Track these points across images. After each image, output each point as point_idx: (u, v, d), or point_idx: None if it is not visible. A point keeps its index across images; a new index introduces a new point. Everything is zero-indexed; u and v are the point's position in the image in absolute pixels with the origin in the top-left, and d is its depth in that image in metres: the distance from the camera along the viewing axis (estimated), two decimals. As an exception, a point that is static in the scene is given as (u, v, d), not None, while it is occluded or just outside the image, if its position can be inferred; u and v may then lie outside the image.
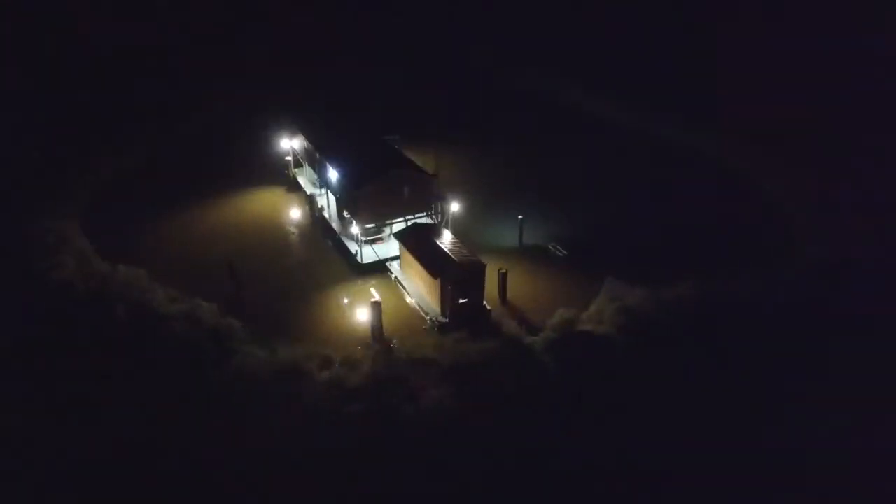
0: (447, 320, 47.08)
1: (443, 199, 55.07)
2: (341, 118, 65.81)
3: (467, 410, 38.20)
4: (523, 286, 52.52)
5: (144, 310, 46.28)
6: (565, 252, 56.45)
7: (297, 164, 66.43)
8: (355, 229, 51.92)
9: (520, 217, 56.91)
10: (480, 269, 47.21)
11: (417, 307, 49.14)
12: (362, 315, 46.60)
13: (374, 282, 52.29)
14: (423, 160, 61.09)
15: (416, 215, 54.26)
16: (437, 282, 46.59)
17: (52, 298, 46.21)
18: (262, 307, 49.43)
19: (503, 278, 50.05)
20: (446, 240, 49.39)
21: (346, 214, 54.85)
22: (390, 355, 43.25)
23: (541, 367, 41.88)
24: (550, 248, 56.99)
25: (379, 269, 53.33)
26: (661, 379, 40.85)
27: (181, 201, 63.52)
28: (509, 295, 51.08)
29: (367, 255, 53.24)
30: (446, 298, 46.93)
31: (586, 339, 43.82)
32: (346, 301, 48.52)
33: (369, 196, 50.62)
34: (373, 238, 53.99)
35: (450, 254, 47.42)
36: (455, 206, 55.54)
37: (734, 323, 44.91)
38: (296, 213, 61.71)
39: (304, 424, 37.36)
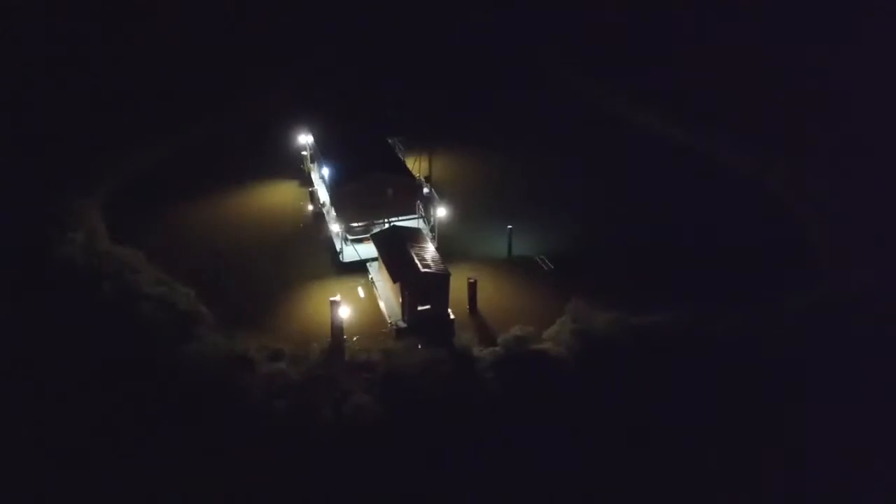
0: (406, 325, 47.36)
1: (432, 204, 55.20)
2: (353, 116, 66.60)
3: (386, 417, 38.67)
4: (500, 298, 51.85)
5: (128, 289, 49.40)
6: (551, 266, 55.12)
7: (313, 160, 68.40)
8: (335, 227, 52.94)
9: (509, 227, 56.02)
10: (442, 278, 47.03)
11: (383, 310, 49.65)
12: (343, 312, 47.55)
13: (363, 281, 53.27)
14: (417, 163, 61.91)
15: (402, 218, 54.69)
16: (398, 286, 46.92)
17: (50, 271, 50.07)
18: (242, 296, 51.51)
19: (472, 288, 49.61)
20: (419, 245, 49.53)
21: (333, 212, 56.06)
22: (335, 355, 44.01)
23: (477, 382, 41.44)
24: (538, 260, 55.81)
25: (361, 268, 54.20)
26: (597, 414, 39.49)
27: (203, 190, 66.54)
28: (483, 305, 50.58)
29: (350, 254, 54.14)
30: (406, 304, 47.18)
31: (532, 359, 42.87)
32: (338, 297, 49.10)
33: (350, 196, 51.54)
34: (358, 237, 54.82)
35: (416, 260, 47.52)
36: (442, 212, 55.50)
37: (712, 363, 42.33)
38: (308, 207, 63.53)
39: (229, 415, 38.93)
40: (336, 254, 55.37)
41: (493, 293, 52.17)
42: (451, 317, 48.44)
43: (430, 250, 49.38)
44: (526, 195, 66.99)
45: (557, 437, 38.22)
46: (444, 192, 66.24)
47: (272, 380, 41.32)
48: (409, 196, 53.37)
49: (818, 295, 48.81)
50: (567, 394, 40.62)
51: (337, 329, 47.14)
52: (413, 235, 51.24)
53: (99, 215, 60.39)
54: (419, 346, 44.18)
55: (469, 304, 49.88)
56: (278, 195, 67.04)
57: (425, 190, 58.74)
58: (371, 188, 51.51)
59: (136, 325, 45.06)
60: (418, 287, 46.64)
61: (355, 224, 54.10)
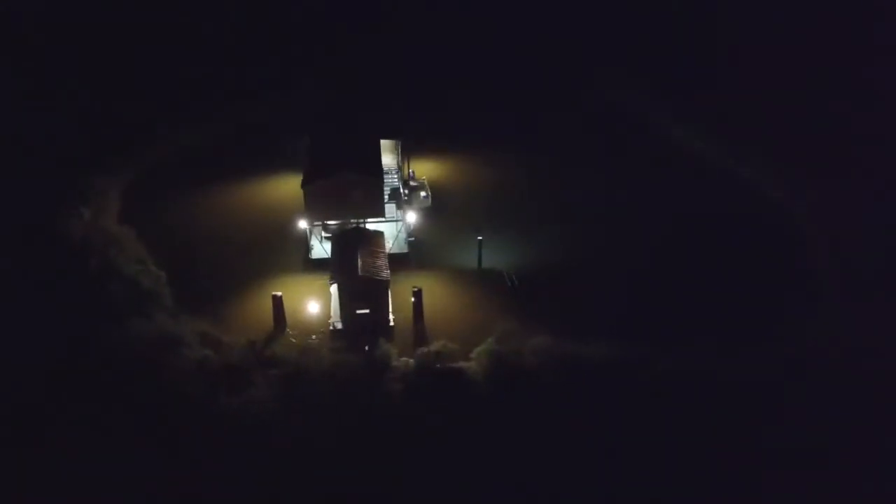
0: (341, 327, 47.58)
1: (411, 207, 55.09)
2: (355, 115, 66.97)
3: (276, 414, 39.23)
4: (452, 310, 50.74)
5: (110, 265, 53.02)
6: (516, 282, 53.17)
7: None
8: (303, 224, 53.90)
9: (479, 238, 54.61)
10: (378, 285, 46.82)
11: (331, 309, 50.09)
12: (313, 307, 49.25)
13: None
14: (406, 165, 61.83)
15: (379, 220, 54.87)
16: (334, 288, 47.23)
17: (45, 240, 54.54)
18: (210, 283, 53.59)
19: (417, 297, 48.88)
20: (371, 249, 49.56)
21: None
22: (262, 348, 44.92)
23: (379, 391, 40.97)
24: (505, 274, 54.02)
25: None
26: (486, 437, 37.98)
27: (219, 179, 69.51)
28: (432, 316, 49.71)
29: (318, 251, 54.98)
30: (342, 305, 47.40)
31: (442, 375, 41.79)
32: (279, 293, 50.04)
33: (318, 193, 52.26)
34: (329, 236, 55.45)
35: (359, 263, 47.60)
36: (412, 217, 55.11)
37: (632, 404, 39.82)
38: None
39: (138, 389, 40.85)
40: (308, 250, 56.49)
41: (448, 304, 51.17)
42: (391, 323, 48.17)
43: (381, 255, 49.20)
44: (522, 205, 65.51)
45: (432, 453, 37.28)
46: (440, 196, 66.50)
47: (191, 364, 42.99)
48: (378, 197, 53.25)
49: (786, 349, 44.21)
50: (463, 414, 39.44)
51: (278, 323, 48.42)
52: (371, 239, 51.31)
53: (117, 195, 65.15)
54: (366, 348, 44.52)
55: (413, 313, 49.17)
56: (285, 189, 68.99)
57: (405, 193, 58.56)
58: (339, 187, 51.94)
59: (96, 299, 48.34)
60: (355, 290, 46.74)
61: (331, 222, 54.71)
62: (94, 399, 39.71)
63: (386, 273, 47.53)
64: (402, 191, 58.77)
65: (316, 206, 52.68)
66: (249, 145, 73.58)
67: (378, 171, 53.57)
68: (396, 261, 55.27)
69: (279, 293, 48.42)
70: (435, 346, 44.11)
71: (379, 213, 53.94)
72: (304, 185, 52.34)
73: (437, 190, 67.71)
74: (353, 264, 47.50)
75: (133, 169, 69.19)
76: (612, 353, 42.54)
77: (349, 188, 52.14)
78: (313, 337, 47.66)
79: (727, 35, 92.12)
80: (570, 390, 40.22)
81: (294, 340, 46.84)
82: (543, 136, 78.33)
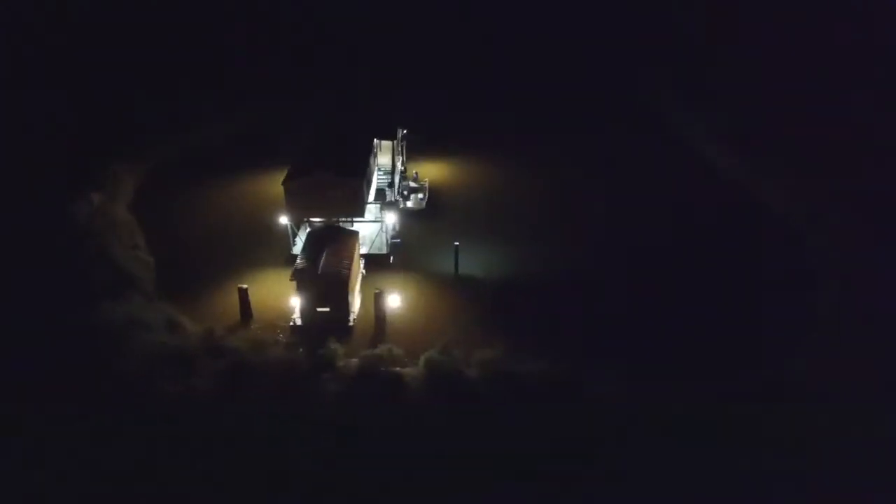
0: (300, 323, 48.24)
1: (395, 208, 55.41)
2: (363, 114, 67.20)
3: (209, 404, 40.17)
4: (423, 315, 50.28)
5: (104, 249, 55.65)
6: (488, 292, 52.44)
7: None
8: (284, 220, 54.87)
9: (456, 244, 54.08)
10: (337, 283, 47.14)
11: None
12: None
13: None
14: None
15: (356, 220, 55.29)
16: (293, 284, 47.91)
17: (48, 222, 57.65)
18: (196, 272, 55.37)
19: (378, 299, 48.90)
20: (339, 247, 49.97)
21: None
22: (213, 337, 46.04)
23: (314, 390, 41.26)
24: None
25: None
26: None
27: (233, 174, 71.71)
28: (396, 319, 49.61)
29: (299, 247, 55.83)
30: (302, 302, 48.04)
31: (379, 379, 41.69)
32: (245, 285, 50.92)
33: (296, 191, 53.14)
34: None
35: (321, 260, 48.18)
36: (392, 218, 55.40)
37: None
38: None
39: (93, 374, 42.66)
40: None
41: (417, 309, 50.88)
42: (351, 323, 48.45)
43: (348, 254, 49.46)
44: (522, 211, 64.77)
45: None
46: (442, 200, 66.41)
47: (145, 349, 44.52)
48: (356, 197, 53.59)
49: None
50: (388, 417, 39.28)
51: (244, 315, 49.63)
52: (343, 238, 51.71)
53: (133, 182, 68.38)
54: (300, 350, 45.17)
55: (375, 315, 49.23)
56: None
57: (403, 193, 58.73)
58: (317, 186, 52.56)
59: (79, 280, 50.83)
60: (312, 287, 47.29)
61: (315, 220, 55.52)
62: (41, 375, 41.63)
63: (347, 272, 47.74)
64: (388, 192, 58.82)
65: (295, 203, 53.49)
66: (264, 141, 75.72)
67: (359, 171, 53.69)
68: (376, 262, 55.96)
69: (245, 286, 49.51)
70: (381, 349, 44.06)
71: (357, 213, 54.22)
72: (283, 182, 53.32)
73: (440, 193, 67.80)
74: (315, 261, 48.11)
75: (154, 159, 72.65)
76: (558, 373, 41.43)
77: (327, 187, 52.62)
78: (279, 332, 48.64)
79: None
80: (502, 406, 39.37)
81: (255, 333, 47.80)
82: (569, 142, 77.25)
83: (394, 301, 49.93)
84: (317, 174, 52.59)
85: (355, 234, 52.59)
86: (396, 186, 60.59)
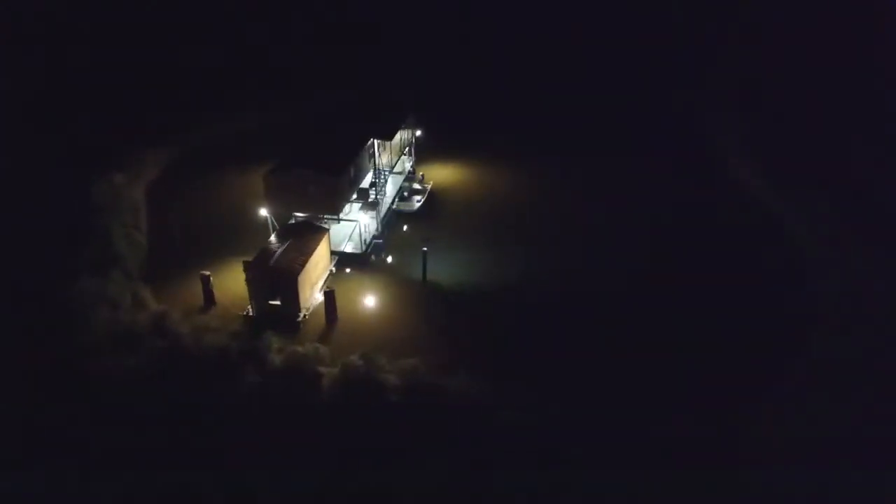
0: (251, 314, 49.30)
1: (367, 209, 55.57)
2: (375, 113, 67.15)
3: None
4: (378, 318, 50.13)
5: (105, 226, 59.02)
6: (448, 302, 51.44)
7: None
8: (264, 212, 56.14)
9: (423, 249, 53.36)
10: (286, 278, 47.72)
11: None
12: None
13: None
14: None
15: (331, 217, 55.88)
16: (245, 276, 49.01)
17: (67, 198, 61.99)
18: (186, 258, 57.52)
19: (329, 298, 49.07)
20: (301, 242, 50.66)
21: None
22: (165, 318, 47.83)
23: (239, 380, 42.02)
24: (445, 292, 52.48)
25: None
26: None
27: (255, 162, 73.83)
28: (348, 320, 49.57)
29: (279, 240, 57.02)
30: (252, 294, 49.09)
31: (299, 376, 41.90)
32: (208, 272, 52.62)
33: (273, 186, 54.30)
34: None
35: (276, 254, 49.06)
36: (365, 218, 55.62)
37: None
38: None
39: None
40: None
41: (376, 311, 50.68)
42: (299, 319, 48.97)
43: (300, 250, 49.95)
44: (516, 219, 63.51)
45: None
46: (442, 204, 65.79)
47: (102, 325, 46.95)
48: (332, 195, 54.03)
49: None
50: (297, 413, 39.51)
51: (207, 301, 51.39)
52: (310, 234, 52.31)
53: (156, 164, 72.21)
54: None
55: (325, 314, 49.49)
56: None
57: (371, 193, 58.73)
58: (295, 182, 53.45)
59: (69, 255, 54.22)
60: (262, 280, 48.22)
61: (299, 214, 56.57)
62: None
63: (300, 267, 48.25)
64: (370, 192, 58.87)
65: (274, 197, 54.63)
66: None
67: (339, 170, 54.06)
68: (357, 261, 56.17)
69: (208, 273, 51.14)
70: (307, 347, 44.28)
71: (331, 210, 54.68)
72: (263, 176, 54.63)
73: (445, 197, 67.27)
74: (271, 255, 49.04)
75: (181, 146, 76.21)
76: (471, 393, 40.15)
77: (305, 183, 53.40)
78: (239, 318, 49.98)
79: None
80: (412, 419, 38.61)
81: (206, 319, 49.17)
82: (592, 157, 74.86)
83: (369, 301, 50.31)
84: (295, 170, 53.47)
85: (324, 231, 53.03)
86: (381, 186, 60.40)
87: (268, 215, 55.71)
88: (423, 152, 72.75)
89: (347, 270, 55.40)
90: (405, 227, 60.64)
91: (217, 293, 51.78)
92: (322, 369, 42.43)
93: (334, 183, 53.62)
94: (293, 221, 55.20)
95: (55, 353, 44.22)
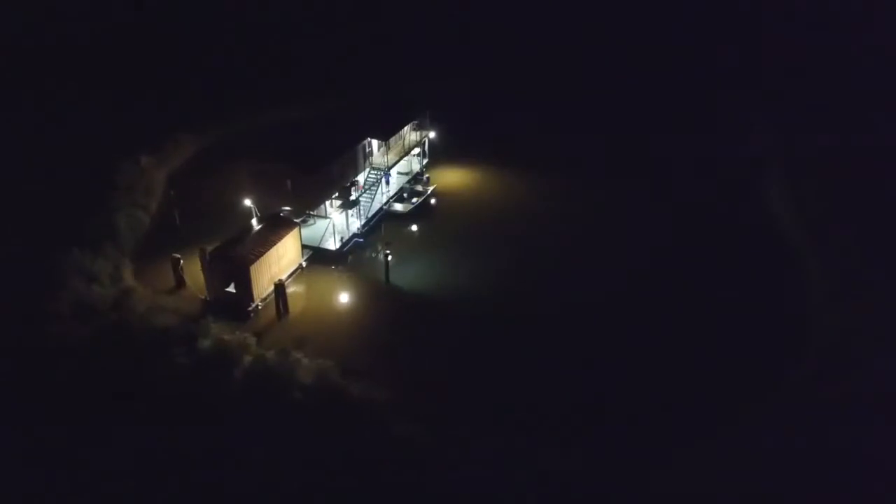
0: (207, 299, 50.82)
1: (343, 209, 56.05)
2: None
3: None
4: (330, 317, 50.35)
5: (112, 203, 62.51)
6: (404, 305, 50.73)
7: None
8: (247, 202, 57.61)
9: (386, 252, 52.87)
10: (239, 267, 48.80)
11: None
12: None
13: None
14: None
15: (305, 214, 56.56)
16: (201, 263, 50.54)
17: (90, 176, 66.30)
18: (179, 240, 59.91)
19: (280, 292, 49.64)
20: (263, 235, 51.71)
21: None
22: (133, 297, 50.10)
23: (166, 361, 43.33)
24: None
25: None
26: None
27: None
28: (308, 317, 49.98)
29: (264, 228, 58.29)
30: (208, 280, 50.58)
31: (217, 362, 42.71)
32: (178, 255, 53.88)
33: (255, 179, 55.76)
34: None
35: (237, 244, 50.39)
36: (336, 216, 56.04)
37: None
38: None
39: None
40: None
41: (330, 309, 50.91)
42: (250, 309, 49.93)
43: (268, 242, 50.93)
44: (513, 225, 62.02)
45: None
46: (444, 207, 65.02)
47: (72, 297, 49.71)
48: (307, 192, 54.66)
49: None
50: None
51: (178, 283, 53.52)
52: (277, 226, 53.23)
53: (187, 151, 75.93)
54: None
55: (276, 308, 50.13)
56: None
57: (353, 191, 58.82)
58: (274, 175, 54.61)
59: (69, 228, 57.86)
60: (215, 267, 49.59)
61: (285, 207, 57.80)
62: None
63: (254, 258, 49.17)
64: (353, 191, 59.04)
65: (255, 189, 56.05)
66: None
67: (315, 166, 54.59)
68: (326, 258, 56.66)
69: (178, 255, 53.12)
70: (235, 336, 45.04)
71: (306, 206, 55.38)
72: (244, 169, 56.19)
73: (448, 202, 66.45)
74: (231, 244, 50.38)
75: (219, 132, 79.82)
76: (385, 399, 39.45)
77: (281, 178, 54.46)
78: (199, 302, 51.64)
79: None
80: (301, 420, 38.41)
81: (166, 299, 51.09)
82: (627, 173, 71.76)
83: (325, 298, 50.84)
84: (273, 164, 54.66)
85: (293, 225, 53.77)
86: (369, 185, 60.47)
87: (252, 206, 57.18)
88: (441, 155, 72.26)
89: (333, 267, 55.91)
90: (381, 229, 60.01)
91: (192, 277, 53.66)
92: (248, 359, 42.86)
93: (310, 179, 54.23)
94: (278, 214, 56.01)
95: (24, 316, 47.55)
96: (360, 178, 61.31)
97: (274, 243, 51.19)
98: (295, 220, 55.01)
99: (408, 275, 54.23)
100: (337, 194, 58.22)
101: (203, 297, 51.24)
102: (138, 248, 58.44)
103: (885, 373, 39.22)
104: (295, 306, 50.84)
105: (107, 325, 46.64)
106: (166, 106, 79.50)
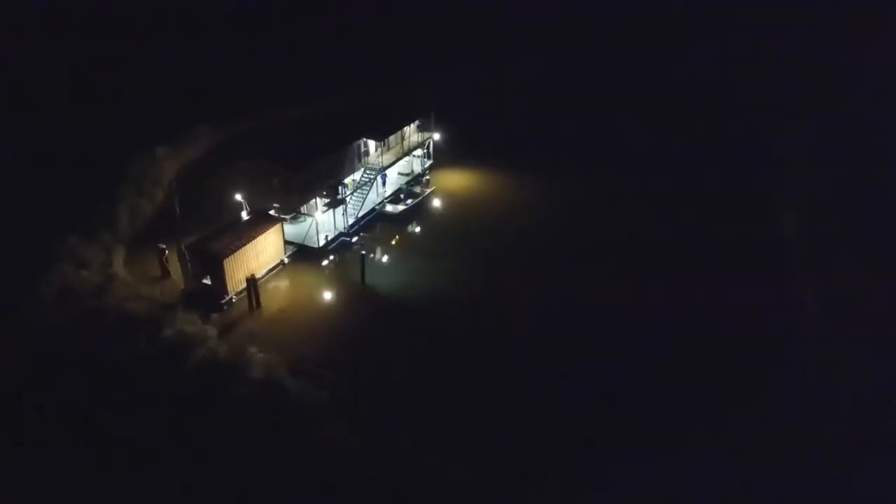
0: (183, 289, 51.90)
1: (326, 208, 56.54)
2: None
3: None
4: (293, 315, 50.37)
5: (120, 192, 64.72)
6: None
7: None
8: (238, 197, 58.54)
9: (362, 252, 52.82)
10: (212, 259, 49.68)
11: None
12: None
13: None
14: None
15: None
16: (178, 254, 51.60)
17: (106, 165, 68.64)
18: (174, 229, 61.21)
19: (253, 286, 50.24)
20: (244, 230, 52.49)
21: None
22: (113, 282, 51.63)
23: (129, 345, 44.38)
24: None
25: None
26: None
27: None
28: (281, 314, 50.45)
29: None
30: (185, 270, 51.64)
31: (174, 352, 43.50)
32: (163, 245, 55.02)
33: (243, 176, 56.69)
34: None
35: (215, 238, 51.29)
36: (319, 215, 56.33)
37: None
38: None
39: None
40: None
41: (305, 306, 51.29)
42: (223, 301, 50.73)
43: (246, 237, 51.66)
44: (511, 229, 61.50)
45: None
46: (444, 210, 64.72)
47: (61, 283, 51.63)
48: (292, 190, 55.16)
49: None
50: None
51: (163, 271, 54.91)
52: (259, 222, 53.94)
53: (203, 139, 77.67)
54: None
55: (248, 301, 50.74)
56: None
57: (343, 191, 58.98)
58: (261, 172, 55.39)
59: (72, 214, 60.11)
60: (191, 258, 50.59)
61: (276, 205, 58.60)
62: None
63: (229, 252, 49.90)
64: (341, 189, 59.28)
65: (243, 185, 56.97)
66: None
67: (299, 165, 55.02)
68: (309, 255, 57.07)
69: (163, 246, 54.44)
70: (196, 327, 45.74)
71: (289, 203, 55.89)
72: (234, 165, 57.17)
73: (445, 204, 66.05)
74: (210, 238, 51.34)
75: (241, 126, 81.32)
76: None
77: (268, 175, 55.19)
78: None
79: None
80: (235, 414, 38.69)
81: (152, 288, 52.48)
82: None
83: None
84: (260, 161, 55.47)
85: (275, 221, 54.35)
86: (359, 185, 60.57)
87: (243, 202, 58.15)
88: (448, 156, 71.85)
89: (324, 263, 56.36)
90: (378, 229, 60.16)
91: (175, 268, 54.82)
92: (197, 349, 43.50)
93: (294, 177, 54.74)
94: (267, 210, 56.75)
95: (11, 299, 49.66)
96: (356, 177, 61.40)
97: (252, 238, 51.85)
98: (283, 217, 55.49)
99: (386, 276, 54.11)
100: (325, 192, 58.41)
101: (182, 287, 52.31)
102: (136, 237, 59.96)
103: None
104: (269, 301, 51.38)
105: (84, 310, 48.07)
106: (186, 103, 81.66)
